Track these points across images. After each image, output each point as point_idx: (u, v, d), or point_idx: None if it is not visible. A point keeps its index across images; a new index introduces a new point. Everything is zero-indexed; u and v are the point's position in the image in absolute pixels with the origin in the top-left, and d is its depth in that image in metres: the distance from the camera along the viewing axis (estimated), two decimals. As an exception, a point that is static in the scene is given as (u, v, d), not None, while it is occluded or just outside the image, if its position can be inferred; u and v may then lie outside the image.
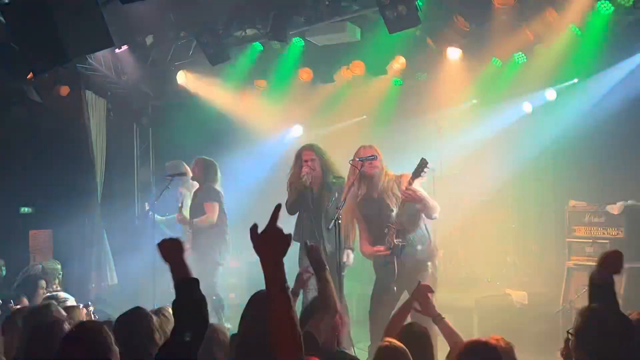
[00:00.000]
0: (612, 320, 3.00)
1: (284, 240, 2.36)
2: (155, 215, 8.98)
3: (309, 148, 6.83)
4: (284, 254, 2.36)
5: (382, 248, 6.09)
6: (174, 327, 2.78)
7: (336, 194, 6.58)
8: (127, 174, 11.04)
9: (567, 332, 3.09)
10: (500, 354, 3.11)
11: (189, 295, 2.78)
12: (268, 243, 2.34)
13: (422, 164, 5.81)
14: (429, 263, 6.13)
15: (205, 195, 8.22)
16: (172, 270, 2.82)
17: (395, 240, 6.00)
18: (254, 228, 2.37)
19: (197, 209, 8.17)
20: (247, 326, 3.41)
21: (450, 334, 4.00)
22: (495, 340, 3.26)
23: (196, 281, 2.80)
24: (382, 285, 6.20)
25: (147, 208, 9.47)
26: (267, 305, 2.35)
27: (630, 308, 3.81)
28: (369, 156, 6.09)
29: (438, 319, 4.12)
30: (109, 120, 10.51)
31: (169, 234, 9.03)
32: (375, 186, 6.22)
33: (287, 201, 6.72)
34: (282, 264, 2.35)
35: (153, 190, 10.74)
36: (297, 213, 6.77)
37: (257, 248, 2.35)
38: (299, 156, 6.82)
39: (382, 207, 6.16)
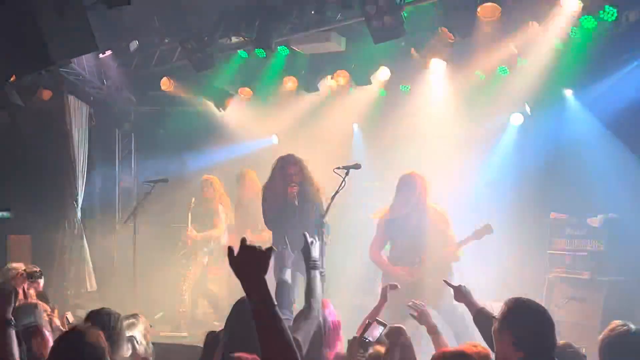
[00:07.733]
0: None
1: (263, 257, 2.24)
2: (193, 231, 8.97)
3: (295, 163, 6.63)
4: (265, 271, 2.23)
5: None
6: None
7: (318, 204, 6.51)
8: (108, 180, 10.96)
9: (493, 317, 3.46)
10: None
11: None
12: (246, 265, 2.23)
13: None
14: None
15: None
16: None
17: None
18: (231, 252, 2.25)
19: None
20: (232, 333, 3.41)
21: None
22: (473, 347, 3.25)
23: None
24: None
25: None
26: (257, 330, 2.20)
27: (611, 320, 3.83)
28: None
29: (433, 331, 4.22)
30: (91, 126, 10.44)
31: None
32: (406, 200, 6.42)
33: (267, 215, 6.80)
34: (264, 283, 2.21)
35: (135, 197, 10.67)
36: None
37: (236, 272, 2.23)
38: (282, 169, 6.61)
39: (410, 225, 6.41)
